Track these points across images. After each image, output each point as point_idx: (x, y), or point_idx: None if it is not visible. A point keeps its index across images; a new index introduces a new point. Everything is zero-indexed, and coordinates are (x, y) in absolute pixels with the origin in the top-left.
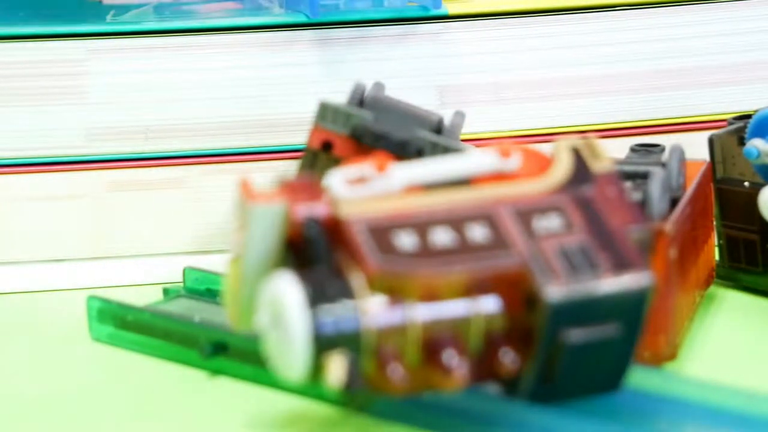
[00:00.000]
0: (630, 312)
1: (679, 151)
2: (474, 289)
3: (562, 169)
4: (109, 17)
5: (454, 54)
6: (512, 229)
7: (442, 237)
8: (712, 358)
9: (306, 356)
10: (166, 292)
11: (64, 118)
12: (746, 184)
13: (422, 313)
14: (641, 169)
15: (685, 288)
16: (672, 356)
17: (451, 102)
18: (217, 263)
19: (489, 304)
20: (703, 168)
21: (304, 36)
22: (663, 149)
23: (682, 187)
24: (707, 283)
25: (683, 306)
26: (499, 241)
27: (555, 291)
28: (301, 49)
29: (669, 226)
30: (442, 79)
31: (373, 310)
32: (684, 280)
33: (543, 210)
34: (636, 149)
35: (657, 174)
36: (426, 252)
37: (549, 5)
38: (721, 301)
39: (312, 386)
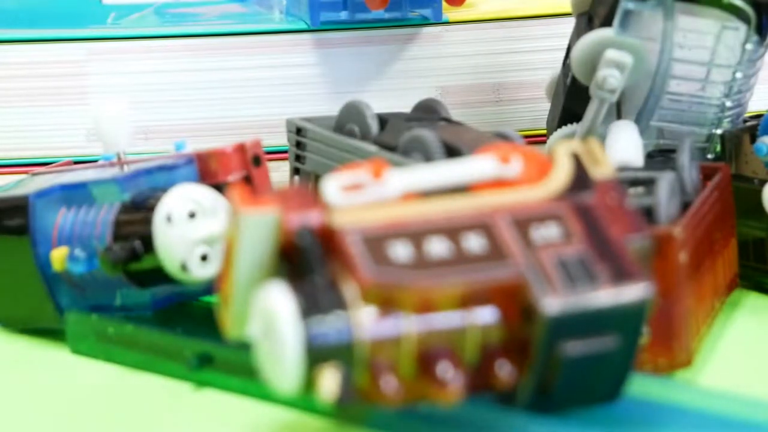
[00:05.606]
0: (629, 323)
1: (689, 146)
2: (470, 300)
3: (562, 175)
4: (109, 20)
5: (454, 55)
6: (509, 239)
7: (437, 248)
8: (730, 364)
9: (297, 368)
10: None
11: (65, 118)
12: (756, 181)
13: (417, 325)
14: (651, 174)
15: (701, 293)
16: (687, 362)
17: (451, 102)
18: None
19: (485, 316)
20: (720, 171)
21: (304, 38)
22: None
23: (699, 190)
24: (729, 288)
25: (698, 311)
26: (495, 252)
27: (552, 303)
28: (302, 51)
29: (678, 230)
30: (443, 79)
31: (366, 321)
32: (699, 285)
33: (541, 218)
34: (653, 155)
35: (665, 178)
36: (421, 263)
37: (549, 11)
38: (744, 306)
39: (301, 398)
